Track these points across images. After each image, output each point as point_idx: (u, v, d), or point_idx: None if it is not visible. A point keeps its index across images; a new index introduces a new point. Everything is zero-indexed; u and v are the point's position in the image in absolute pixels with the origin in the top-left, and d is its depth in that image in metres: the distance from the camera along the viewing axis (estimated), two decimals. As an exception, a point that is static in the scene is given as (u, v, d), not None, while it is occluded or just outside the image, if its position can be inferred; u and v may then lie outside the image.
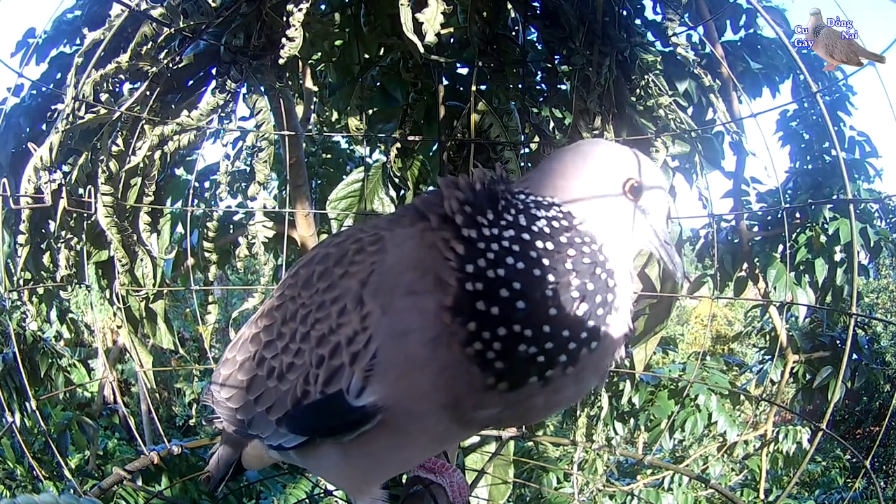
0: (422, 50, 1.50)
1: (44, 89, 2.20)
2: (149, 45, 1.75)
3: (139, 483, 2.14)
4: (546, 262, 0.86)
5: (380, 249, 0.93)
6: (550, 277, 0.85)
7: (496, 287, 0.84)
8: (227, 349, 1.20)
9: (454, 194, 0.91)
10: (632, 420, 3.82)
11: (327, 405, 0.94)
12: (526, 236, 0.87)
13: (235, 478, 1.39)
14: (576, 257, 0.88)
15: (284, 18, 1.66)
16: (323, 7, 2.26)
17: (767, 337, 4.48)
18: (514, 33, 2.19)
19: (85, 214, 1.84)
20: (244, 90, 1.93)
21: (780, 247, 3.70)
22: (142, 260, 1.96)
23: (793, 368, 3.89)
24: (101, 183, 1.78)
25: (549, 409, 0.95)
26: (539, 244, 0.87)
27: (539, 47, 2.25)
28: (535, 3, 2.05)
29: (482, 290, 0.84)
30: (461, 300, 0.84)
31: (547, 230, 0.88)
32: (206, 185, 3.27)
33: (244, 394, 1.07)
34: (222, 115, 1.91)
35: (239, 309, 2.18)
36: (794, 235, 3.83)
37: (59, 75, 2.25)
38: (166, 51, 1.82)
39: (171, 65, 1.82)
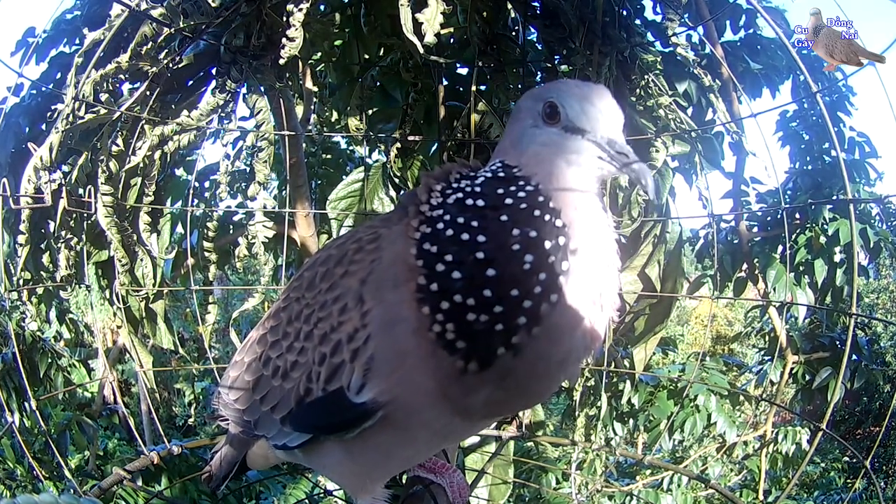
0: (421, 50, 1.50)
1: (44, 89, 2.20)
2: (149, 45, 1.75)
3: (139, 483, 2.13)
4: (475, 223, 0.82)
5: (377, 248, 0.94)
6: (481, 238, 0.81)
7: (435, 263, 0.82)
8: (237, 351, 1.22)
9: (429, 176, 0.94)
10: (631, 420, 3.82)
11: (329, 402, 0.94)
12: (458, 207, 0.85)
13: (238, 477, 1.39)
14: (511, 208, 0.82)
15: (284, 18, 1.66)
16: (323, 7, 2.26)
17: (767, 337, 4.47)
18: (514, 33, 2.19)
19: (85, 214, 1.84)
20: (244, 90, 1.93)
21: (780, 247, 3.70)
22: (142, 260, 1.96)
23: (792, 369, 3.89)
24: (101, 183, 1.78)
25: (540, 381, 0.90)
26: (474, 208, 0.84)
27: (539, 47, 2.25)
28: (535, 3, 2.05)
29: (431, 272, 0.83)
30: (422, 286, 0.83)
31: (479, 189, 0.86)
32: (206, 185, 3.26)
33: (250, 394, 1.09)
34: (222, 115, 1.91)
35: (239, 309, 2.18)
36: (793, 236, 3.83)
37: (59, 75, 2.25)
38: (166, 51, 1.82)
39: (171, 65, 1.82)
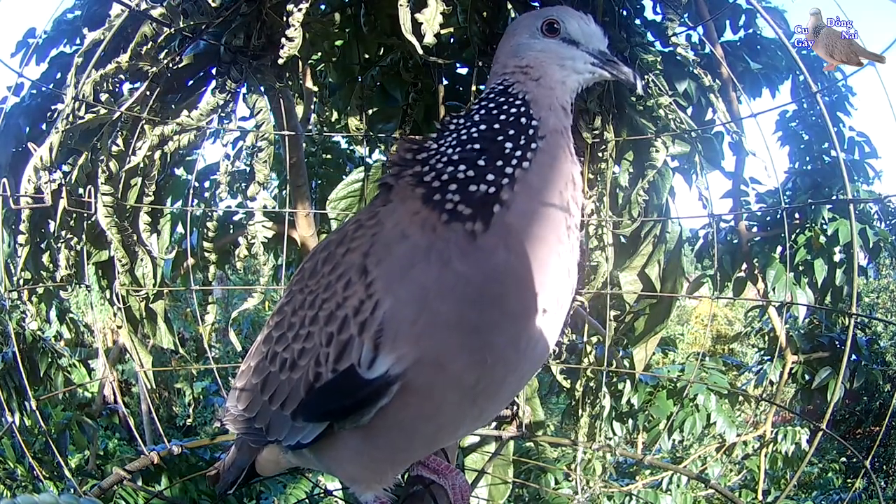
0: (420, 51, 1.50)
1: (44, 89, 2.20)
2: (149, 45, 1.75)
3: (139, 483, 2.14)
4: (475, 133, 0.98)
5: (377, 223, 0.96)
6: (474, 132, 0.98)
7: (445, 166, 0.96)
8: (244, 361, 1.20)
9: (395, 149, 1.05)
10: (630, 420, 3.81)
11: (341, 383, 0.93)
12: (462, 129, 1.00)
13: (247, 484, 1.37)
14: (504, 122, 0.98)
15: (284, 18, 1.66)
16: (323, 7, 2.26)
17: (767, 337, 4.47)
18: (514, 33, 2.18)
19: (85, 214, 1.84)
20: (244, 90, 1.93)
21: (780, 247, 3.70)
22: (142, 260, 1.96)
23: (792, 369, 3.89)
24: (101, 183, 1.78)
25: (534, 238, 0.98)
26: (472, 129, 1.00)
27: (539, 47, 2.25)
28: (535, 4, 2.05)
29: (436, 175, 0.96)
30: (427, 192, 0.95)
31: (477, 116, 1.01)
32: (206, 184, 3.26)
33: (259, 396, 1.07)
34: (222, 115, 1.91)
35: (238, 309, 2.17)
36: (793, 236, 3.83)
37: (59, 75, 2.25)
38: (166, 51, 1.82)
39: (171, 65, 1.82)
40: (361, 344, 0.89)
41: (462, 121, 1.03)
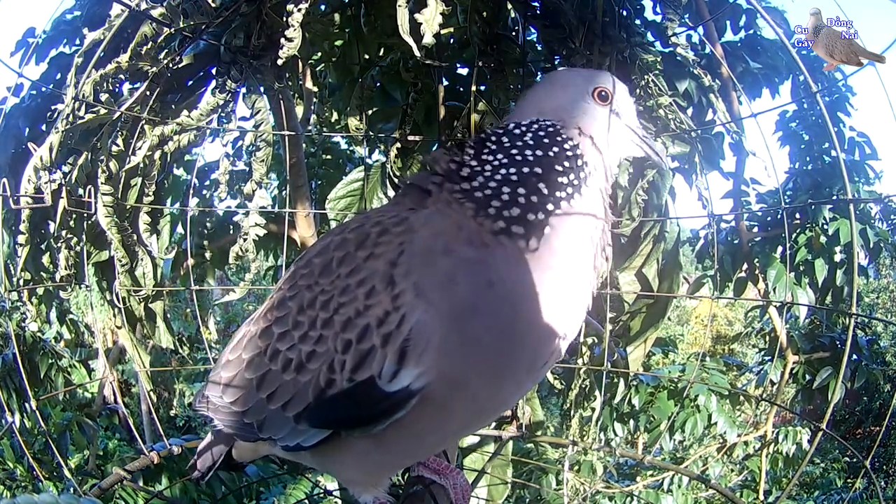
0: (417, 52, 1.50)
1: (44, 89, 2.20)
2: (149, 45, 1.75)
3: (139, 483, 2.14)
4: (531, 157, 1.01)
5: (407, 230, 0.93)
6: (537, 169, 1.00)
7: (501, 185, 0.98)
8: (225, 351, 1.16)
9: (439, 158, 1.04)
10: (631, 421, 3.82)
11: (356, 393, 0.90)
12: (514, 150, 1.02)
13: (231, 469, 1.35)
14: (558, 152, 1.02)
15: (284, 18, 1.66)
16: (323, 7, 2.26)
17: (767, 337, 4.48)
18: (514, 33, 2.19)
19: (85, 214, 1.84)
20: (244, 90, 1.93)
21: (780, 247, 3.70)
22: (142, 260, 1.96)
23: (793, 369, 3.89)
24: (101, 183, 1.78)
25: (573, 257, 1.03)
26: (528, 152, 1.02)
27: (539, 47, 2.25)
28: (535, 3, 2.05)
29: (492, 194, 0.97)
30: (479, 206, 0.96)
31: (530, 141, 1.04)
32: (206, 184, 3.27)
33: (254, 393, 1.03)
34: (222, 115, 1.91)
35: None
36: (793, 236, 3.83)
37: (59, 75, 2.25)
38: (166, 51, 1.82)
39: (171, 65, 1.82)
40: (384, 356, 0.87)
41: (507, 140, 1.05)
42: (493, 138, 1.06)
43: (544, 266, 0.95)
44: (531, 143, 1.04)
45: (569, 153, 1.04)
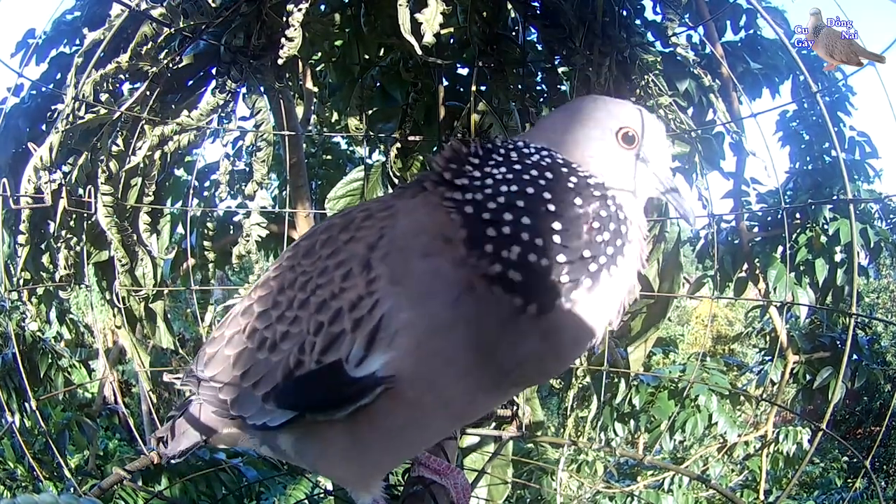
0: (419, 51, 1.50)
1: (44, 89, 2.20)
2: (149, 45, 1.75)
3: (139, 483, 2.13)
4: (542, 182, 0.87)
5: (391, 216, 0.91)
6: (546, 195, 0.86)
7: (501, 211, 0.85)
8: (215, 328, 1.15)
9: (439, 156, 0.95)
10: (632, 421, 3.81)
11: (323, 376, 0.89)
12: (518, 167, 0.89)
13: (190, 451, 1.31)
14: (578, 185, 0.88)
15: (284, 18, 1.66)
16: (323, 7, 2.26)
17: (768, 337, 4.48)
18: (514, 33, 2.19)
19: (85, 214, 1.84)
20: (244, 90, 1.93)
21: (780, 247, 3.70)
22: (142, 260, 1.96)
23: (793, 369, 3.89)
24: (101, 183, 1.78)
25: (575, 345, 0.93)
26: (534, 172, 0.89)
27: (539, 47, 2.25)
28: (535, 3, 2.05)
29: (489, 218, 0.85)
30: (472, 235, 0.85)
31: (542, 163, 0.90)
32: (206, 184, 3.27)
33: (230, 370, 1.01)
34: (222, 115, 1.91)
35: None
36: (794, 236, 3.83)
37: (59, 75, 2.25)
38: (166, 51, 1.82)
39: (171, 65, 1.82)
40: (353, 340, 0.86)
41: (515, 156, 0.92)
42: (503, 151, 0.93)
43: (545, 334, 0.85)
44: (543, 161, 0.90)
45: (595, 193, 0.88)
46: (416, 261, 0.87)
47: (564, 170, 0.90)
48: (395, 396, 0.88)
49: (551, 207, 0.85)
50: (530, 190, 0.86)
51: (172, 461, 1.32)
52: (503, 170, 0.90)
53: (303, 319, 0.92)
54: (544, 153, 0.92)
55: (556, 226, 0.84)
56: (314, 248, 0.95)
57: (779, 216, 3.70)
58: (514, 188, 0.87)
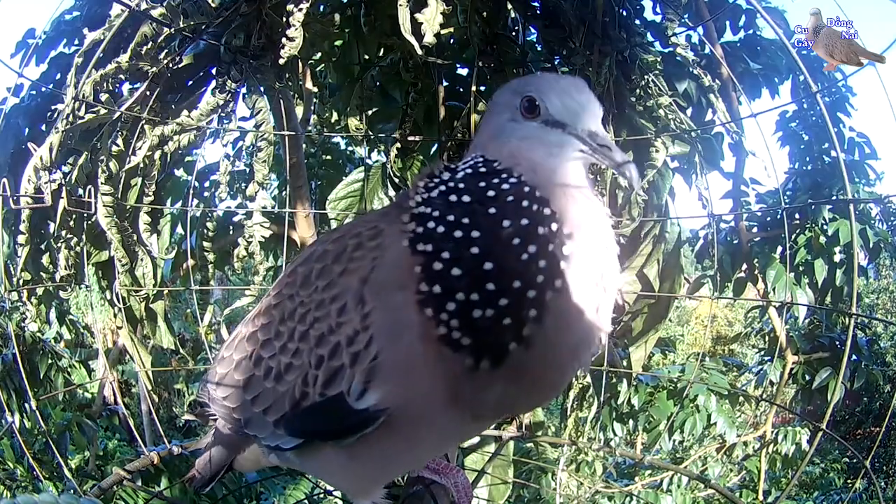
0: (419, 51, 1.50)
1: (44, 89, 2.20)
2: (149, 45, 1.75)
3: (139, 483, 2.13)
4: (466, 220, 0.82)
5: (379, 245, 0.90)
6: (474, 233, 0.81)
7: (432, 262, 0.82)
8: (223, 346, 1.18)
9: (415, 180, 0.92)
10: (631, 421, 3.81)
11: (327, 408, 0.91)
12: (444, 203, 0.85)
13: (224, 477, 1.37)
14: (498, 200, 0.82)
15: (284, 18, 1.66)
16: (323, 7, 2.26)
17: (767, 338, 4.48)
18: (514, 33, 2.19)
19: (85, 214, 1.84)
20: (244, 90, 1.93)
21: (780, 247, 3.70)
22: (142, 260, 1.96)
23: (792, 369, 3.89)
24: (101, 183, 1.78)
25: (553, 372, 0.89)
26: (460, 204, 0.84)
27: (539, 47, 2.25)
28: (535, 3, 2.05)
29: (429, 273, 0.82)
30: (422, 289, 0.82)
31: (462, 186, 0.86)
32: (206, 184, 3.27)
33: (241, 393, 1.05)
34: (222, 115, 1.91)
35: (232, 306, 2.17)
36: (793, 236, 3.83)
37: (58, 75, 2.25)
38: (166, 51, 1.82)
39: (171, 65, 1.82)
40: (353, 375, 0.87)
41: (447, 176, 0.88)
42: (438, 178, 0.89)
43: (507, 381, 0.83)
44: (467, 184, 0.85)
45: (515, 193, 0.81)
46: (394, 294, 0.86)
47: (482, 184, 0.84)
48: (388, 425, 0.89)
49: (476, 249, 0.80)
50: (458, 233, 0.81)
51: (203, 490, 1.37)
52: (439, 202, 0.86)
53: (304, 352, 0.93)
54: (469, 162, 0.90)
55: (488, 266, 0.79)
56: (310, 277, 0.96)
57: (778, 216, 3.70)
58: (439, 228, 0.83)
